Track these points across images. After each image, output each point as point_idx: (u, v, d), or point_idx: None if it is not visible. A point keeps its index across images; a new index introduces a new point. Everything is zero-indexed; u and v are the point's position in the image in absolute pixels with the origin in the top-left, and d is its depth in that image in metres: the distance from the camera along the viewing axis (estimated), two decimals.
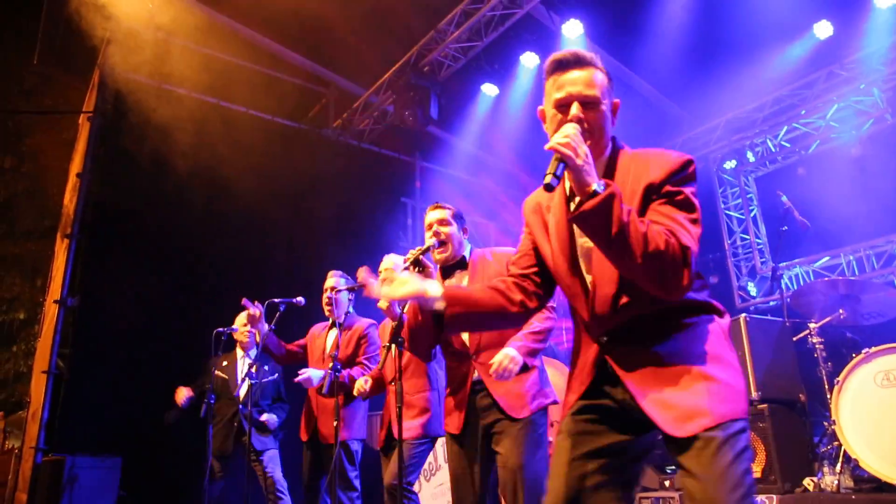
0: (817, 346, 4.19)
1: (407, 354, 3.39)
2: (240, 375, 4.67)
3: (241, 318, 4.74)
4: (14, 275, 10.03)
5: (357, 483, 3.88)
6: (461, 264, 2.95)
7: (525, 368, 2.69)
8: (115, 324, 5.64)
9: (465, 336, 2.81)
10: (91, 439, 5.15)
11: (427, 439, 3.48)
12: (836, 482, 3.70)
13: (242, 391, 4.55)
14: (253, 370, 4.22)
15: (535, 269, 1.86)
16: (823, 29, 6.42)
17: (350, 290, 3.71)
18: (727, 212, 7.83)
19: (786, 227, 4.76)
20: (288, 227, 7.12)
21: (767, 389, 4.08)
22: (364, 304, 4.37)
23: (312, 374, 3.93)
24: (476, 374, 2.77)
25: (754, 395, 4.05)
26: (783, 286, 4.83)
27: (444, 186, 8.08)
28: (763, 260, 7.50)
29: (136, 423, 5.28)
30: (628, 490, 1.66)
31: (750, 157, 7.73)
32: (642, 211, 1.60)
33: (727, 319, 1.67)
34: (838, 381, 3.86)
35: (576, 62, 1.69)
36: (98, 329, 5.67)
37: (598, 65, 1.71)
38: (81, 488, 4.75)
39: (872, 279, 6.05)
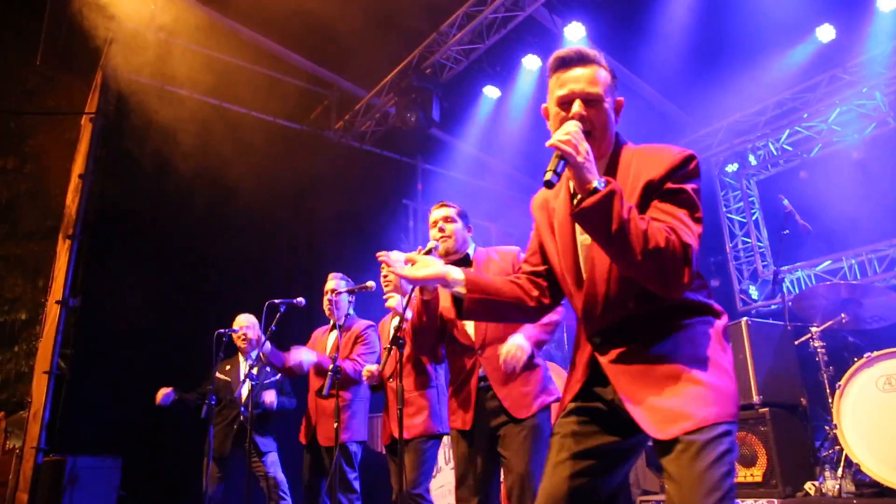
0: (819, 349, 4.18)
1: (406, 354, 3.38)
2: (241, 377, 4.67)
3: (240, 320, 4.75)
4: (16, 275, 10.04)
5: (357, 485, 3.86)
6: (465, 262, 2.94)
7: (530, 367, 2.68)
8: (117, 324, 5.65)
9: (470, 330, 2.80)
10: (92, 440, 5.16)
11: (432, 437, 3.44)
12: (837, 487, 3.69)
13: (244, 392, 4.55)
14: (254, 371, 4.22)
15: (545, 267, 1.86)
16: (826, 32, 6.41)
17: (350, 292, 3.70)
18: (729, 215, 7.81)
19: (787, 231, 4.76)
20: (289, 229, 7.12)
21: (769, 393, 4.07)
22: (364, 305, 4.37)
23: (304, 357, 3.92)
24: (482, 370, 2.76)
25: (755, 398, 4.03)
26: (785, 290, 4.80)
27: (446, 188, 8.06)
28: (765, 263, 7.48)
29: (136, 424, 5.29)
30: (618, 491, 1.67)
31: (752, 160, 7.72)
32: (643, 207, 1.59)
33: (724, 321, 1.65)
34: (840, 386, 3.85)
35: (579, 60, 1.69)
36: (99, 329, 5.68)
37: (602, 62, 1.70)
38: (82, 488, 4.76)
39: (874, 283, 6.03)
